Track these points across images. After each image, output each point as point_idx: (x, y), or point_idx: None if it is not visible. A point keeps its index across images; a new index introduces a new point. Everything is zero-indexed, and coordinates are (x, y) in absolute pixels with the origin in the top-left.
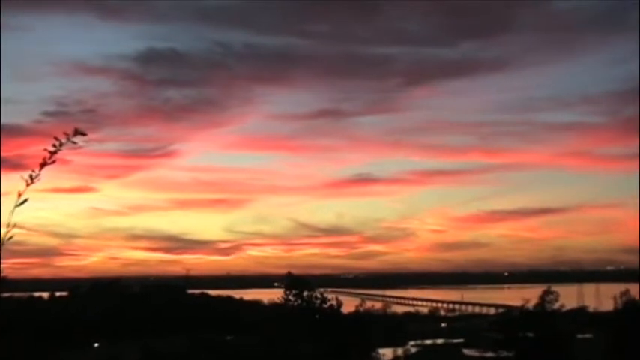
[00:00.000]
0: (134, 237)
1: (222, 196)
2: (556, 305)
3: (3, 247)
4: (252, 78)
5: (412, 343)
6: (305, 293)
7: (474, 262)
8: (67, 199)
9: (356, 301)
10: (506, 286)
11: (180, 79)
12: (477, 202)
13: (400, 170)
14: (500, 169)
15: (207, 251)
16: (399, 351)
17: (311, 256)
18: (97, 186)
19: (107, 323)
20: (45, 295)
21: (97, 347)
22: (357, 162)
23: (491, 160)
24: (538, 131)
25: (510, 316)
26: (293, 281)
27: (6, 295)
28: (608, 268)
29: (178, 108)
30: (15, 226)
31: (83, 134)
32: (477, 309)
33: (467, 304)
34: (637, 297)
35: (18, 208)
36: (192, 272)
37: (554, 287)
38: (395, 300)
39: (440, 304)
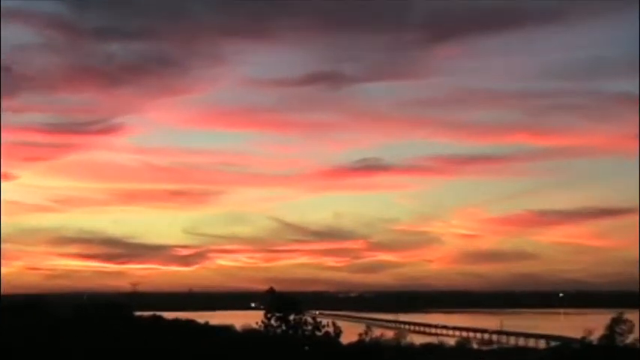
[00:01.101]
0: (63, 240)
1: (182, 186)
2: (630, 338)
3: None
4: (224, 30)
5: None
6: (292, 317)
7: (518, 278)
8: None
9: (360, 327)
10: (561, 311)
11: (125, 30)
12: (522, 198)
13: (419, 155)
14: (553, 155)
15: (161, 260)
16: None
17: (300, 267)
18: (13, 171)
19: (24, 357)
20: None
21: None
22: (361, 143)
23: (540, 143)
24: (606, 104)
25: (567, 351)
26: (276, 301)
27: None
28: None
29: (123, 68)
30: None
31: None
32: (521, 341)
33: (508, 334)
34: None
35: None
36: (141, 288)
37: (628, 314)
38: (412, 328)
39: (472, 334)
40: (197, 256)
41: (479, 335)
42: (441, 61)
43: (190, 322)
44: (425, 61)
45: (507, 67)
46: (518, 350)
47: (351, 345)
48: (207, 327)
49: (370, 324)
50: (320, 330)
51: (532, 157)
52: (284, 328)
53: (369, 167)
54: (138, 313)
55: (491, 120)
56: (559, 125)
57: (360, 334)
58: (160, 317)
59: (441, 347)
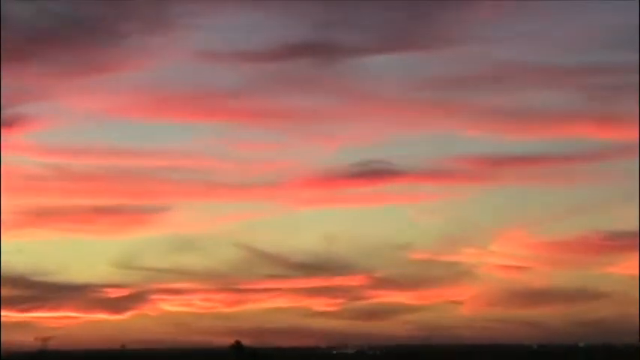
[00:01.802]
0: None
1: (111, 201)
2: None
3: None
4: None
5: None
6: None
7: (582, 326)
8: None
9: None
10: None
11: None
12: (586, 214)
13: (442, 155)
14: (627, 153)
15: (82, 305)
16: None
17: (277, 312)
18: None
19: None
20: None
21: None
22: (362, 139)
23: (610, 136)
24: None
25: None
26: None
27: None
28: None
29: (30, 38)
30: None
31: None
32: None
33: None
34: None
35: None
36: (54, 344)
37: None
38: None
39: None
40: (133, 298)
41: None
42: (472, 25)
43: None
44: (449, 26)
45: (564, 34)
46: None
47: None
48: None
49: None
50: None
51: (599, 156)
52: None
53: (373, 172)
54: None
55: (542, 105)
56: (634, 112)
57: None
58: None
59: None
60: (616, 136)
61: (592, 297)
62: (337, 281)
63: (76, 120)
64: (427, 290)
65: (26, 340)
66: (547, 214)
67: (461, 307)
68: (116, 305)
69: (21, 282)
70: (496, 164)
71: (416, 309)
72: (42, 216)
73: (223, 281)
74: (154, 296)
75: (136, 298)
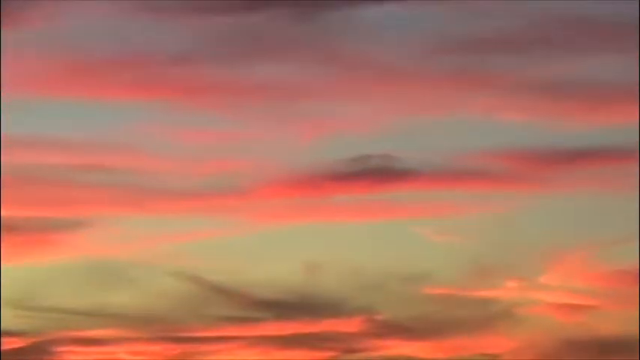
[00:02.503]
0: None
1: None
2: None
3: None
4: None
5: None
6: None
7: None
8: None
9: None
10: None
11: None
12: None
13: (469, 148)
14: None
15: None
16: None
17: None
18: None
19: None
20: None
21: None
22: (357, 125)
23: None
24: None
25: None
26: None
27: None
28: None
29: None
30: None
31: None
32: None
33: None
34: None
35: None
36: None
37: None
38: None
39: None
40: (31, 351)
41: None
42: None
43: None
44: None
45: None
46: None
47: None
48: None
49: None
50: None
51: None
52: None
53: (373, 172)
54: None
55: (615, 78)
56: None
57: None
58: None
59: None
60: None
61: None
62: (324, 326)
63: None
64: (449, 339)
65: None
66: (622, 231)
67: None
68: None
69: None
70: (549, 161)
71: None
72: None
73: (160, 327)
74: (61, 348)
75: (36, 350)
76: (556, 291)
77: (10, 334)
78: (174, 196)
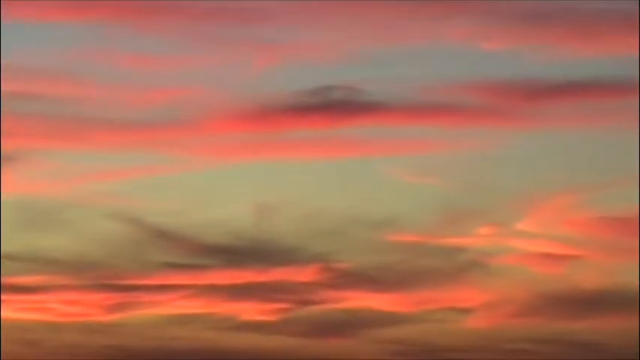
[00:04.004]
0: None
1: None
2: None
3: None
4: None
5: None
6: None
7: None
8: None
9: None
10: None
11: None
12: None
13: (443, 79)
14: None
15: None
16: None
17: (182, 324)
18: None
19: None
20: None
21: None
22: (317, 52)
23: None
24: None
25: None
26: None
27: None
28: None
29: None
30: None
31: None
32: None
33: None
34: None
35: None
36: None
37: None
38: None
39: None
40: None
41: None
42: None
43: None
44: None
45: None
46: None
47: None
48: None
49: None
50: None
51: None
52: None
53: (334, 105)
54: None
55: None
56: None
57: None
58: None
59: None
60: None
61: None
62: (276, 275)
63: None
64: (416, 292)
65: None
66: (613, 173)
67: (469, 318)
68: None
69: None
70: (532, 95)
71: (398, 320)
72: None
73: (96, 274)
74: None
75: None
76: (534, 239)
77: None
78: (113, 128)
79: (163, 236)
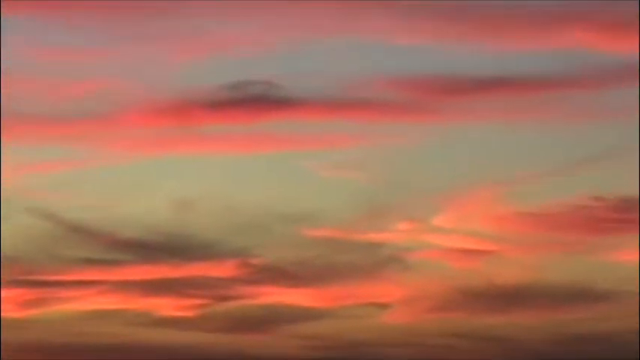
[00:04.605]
0: None
1: None
2: None
3: None
4: None
5: None
6: None
7: (586, 343)
8: None
9: None
10: None
11: None
12: (593, 170)
13: (361, 74)
14: None
15: None
16: None
17: (97, 319)
18: None
19: None
20: None
21: None
22: (234, 46)
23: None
24: None
25: None
26: None
27: None
28: None
29: None
30: None
31: None
32: None
33: None
34: None
35: None
36: None
37: None
38: None
39: None
40: None
41: None
42: None
43: None
44: None
45: None
46: None
47: None
48: None
49: None
50: None
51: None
52: None
53: (252, 100)
54: None
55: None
56: None
57: None
58: None
59: None
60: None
61: (590, 298)
62: (193, 271)
63: None
64: (334, 287)
65: None
66: (528, 167)
67: (387, 313)
68: None
69: None
70: (451, 90)
71: (316, 315)
72: None
73: (10, 270)
74: None
75: None
76: (451, 234)
77: None
78: (29, 121)
79: (79, 231)
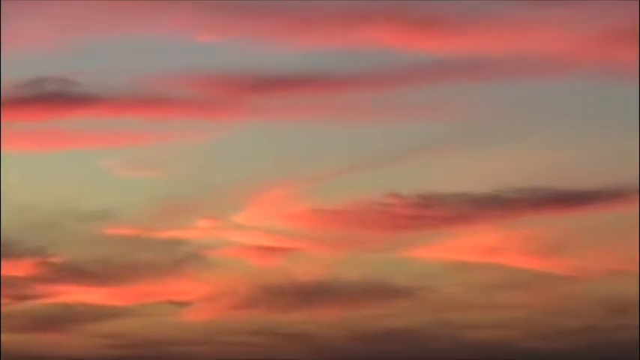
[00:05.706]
0: None
1: None
2: None
3: None
4: None
5: None
6: None
7: (382, 341)
8: None
9: None
10: None
11: None
12: (392, 168)
13: (159, 71)
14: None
15: None
16: None
17: None
18: None
19: None
20: None
21: None
22: (29, 44)
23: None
24: None
25: None
26: None
27: None
28: None
29: None
30: None
31: None
32: None
33: None
34: None
35: None
36: None
37: None
38: None
39: None
40: None
41: None
42: None
43: None
44: None
45: None
46: None
47: None
48: None
49: None
50: None
51: (417, 75)
52: None
53: (48, 97)
54: None
55: None
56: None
57: None
58: None
59: None
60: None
61: (390, 294)
62: None
63: None
64: (133, 285)
65: None
66: (328, 165)
67: (187, 311)
68: None
69: None
70: (251, 87)
71: (115, 314)
72: None
73: None
74: None
75: None
76: (251, 232)
77: None
78: None
79: None
